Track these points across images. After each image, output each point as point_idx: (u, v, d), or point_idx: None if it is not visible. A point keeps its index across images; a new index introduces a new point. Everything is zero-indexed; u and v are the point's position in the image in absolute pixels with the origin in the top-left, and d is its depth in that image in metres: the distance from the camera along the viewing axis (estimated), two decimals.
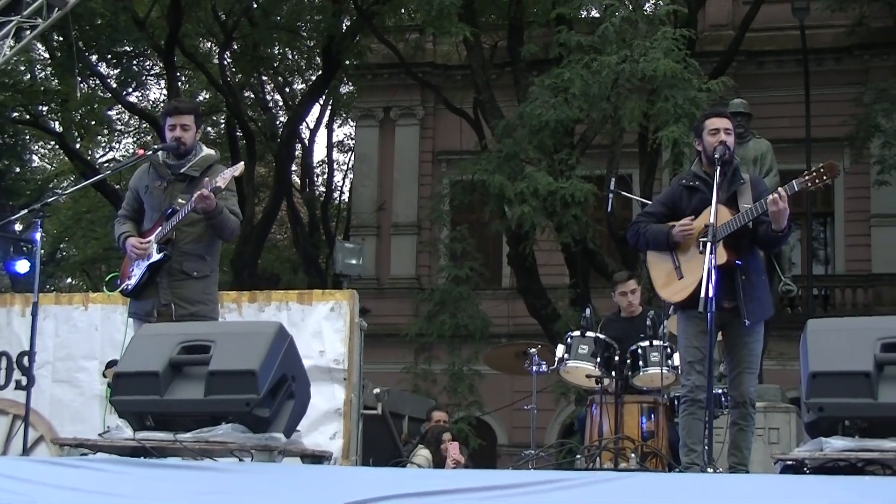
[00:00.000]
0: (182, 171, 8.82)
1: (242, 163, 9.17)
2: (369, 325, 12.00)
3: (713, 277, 7.50)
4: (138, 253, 8.74)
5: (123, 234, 8.98)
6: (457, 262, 23.20)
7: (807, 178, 7.74)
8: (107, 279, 11.13)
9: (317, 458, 7.54)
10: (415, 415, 14.38)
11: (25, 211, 10.18)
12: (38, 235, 8.59)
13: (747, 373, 8.29)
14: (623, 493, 5.52)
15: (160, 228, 8.67)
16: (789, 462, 6.42)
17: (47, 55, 28.21)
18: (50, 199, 9.64)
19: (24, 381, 11.05)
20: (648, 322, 10.16)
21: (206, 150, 9.09)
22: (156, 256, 8.65)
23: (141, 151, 9.51)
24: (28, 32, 18.83)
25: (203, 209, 8.43)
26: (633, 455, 9.40)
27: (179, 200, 8.65)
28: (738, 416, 8.33)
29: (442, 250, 25.11)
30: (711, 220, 7.76)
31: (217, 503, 5.82)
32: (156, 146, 9.06)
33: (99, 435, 7.33)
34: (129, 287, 8.86)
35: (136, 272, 8.80)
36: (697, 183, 8.37)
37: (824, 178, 7.70)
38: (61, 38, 25.18)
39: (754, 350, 8.33)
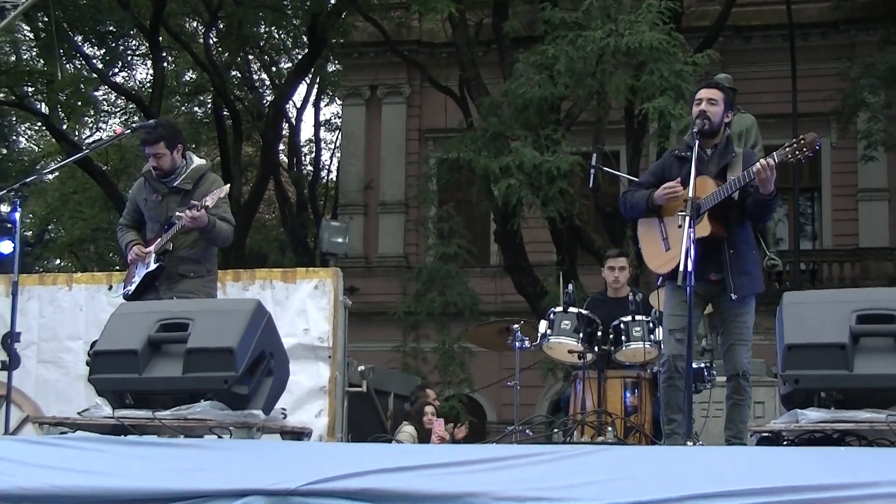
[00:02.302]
0: (175, 185, 9.13)
1: (227, 186, 9.35)
2: (357, 303, 12.02)
3: (692, 252, 7.48)
4: (138, 256, 9.13)
5: (130, 242, 9.34)
6: (444, 240, 23.19)
7: (787, 149, 7.73)
8: (109, 287, 11.25)
9: (296, 434, 7.55)
10: (400, 392, 14.37)
11: (4, 191, 10.19)
12: (17, 216, 8.60)
13: (739, 344, 8.25)
14: (601, 465, 5.53)
15: (159, 240, 9.04)
16: (765, 434, 6.44)
17: (32, 36, 28.08)
18: (29, 180, 9.64)
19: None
20: (632, 301, 10.15)
21: (197, 162, 9.35)
22: (152, 266, 9.01)
23: (119, 130, 9.60)
24: (10, 12, 18.74)
25: (195, 226, 8.74)
26: (610, 429, 9.41)
27: (178, 214, 8.92)
28: (732, 390, 8.30)
29: (430, 229, 25.08)
30: (690, 195, 7.74)
31: (197, 480, 5.82)
32: (134, 125, 9.15)
33: (78, 413, 7.31)
34: (130, 292, 9.15)
35: (137, 278, 9.13)
36: (688, 153, 8.24)
37: (804, 149, 7.70)
38: (46, 19, 25.05)
39: (746, 322, 8.29)
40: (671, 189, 8.20)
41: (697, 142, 8.05)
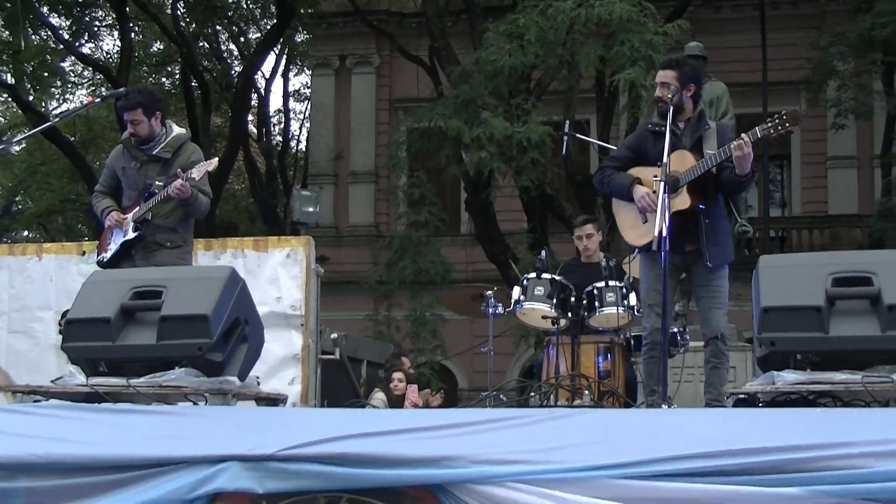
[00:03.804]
0: (154, 153, 9.10)
1: (216, 159, 9.40)
2: (328, 273, 11.99)
3: (667, 219, 7.54)
4: (116, 222, 9.07)
5: (106, 208, 9.26)
6: (415, 207, 23.17)
7: (769, 125, 7.83)
8: (82, 253, 11.20)
9: (272, 401, 7.54)
10: (373, 360, 14.35)
11: None
12: None
13: (716, 308, 8.37)
14: (578, 428, 5.53)
15: (137, 208, 8.98)
16: (741, 396, 6.47)
17: None
18: None
19: None
20: (605, 267, 10.16)
21: (177, 130, 9.33)
22: (131, 234, 8.97)
23: (90, 100, 9.55)
24: None
25: (178, 197, 8.71)
26: (587, 392, 9.43)
27: (157, 183, 8.93)
28: (710, 354, 8.41)
29: (401, 197, 25.05)
30: (665, 160, 7.79)
31: (172, 447, 5.80)
32: (104, 94, 9.11)
33: (52, 382, 7.27)
34: (105, 259, 9.12)
35: (113, 246, 9.08)
36: (663, 129, 8.36)
37: (787, 125, 7.79)
38: None
39: (721, 286, 8.41)
40: (647, 199, 8.27)
41: (669, 123, 8.12)
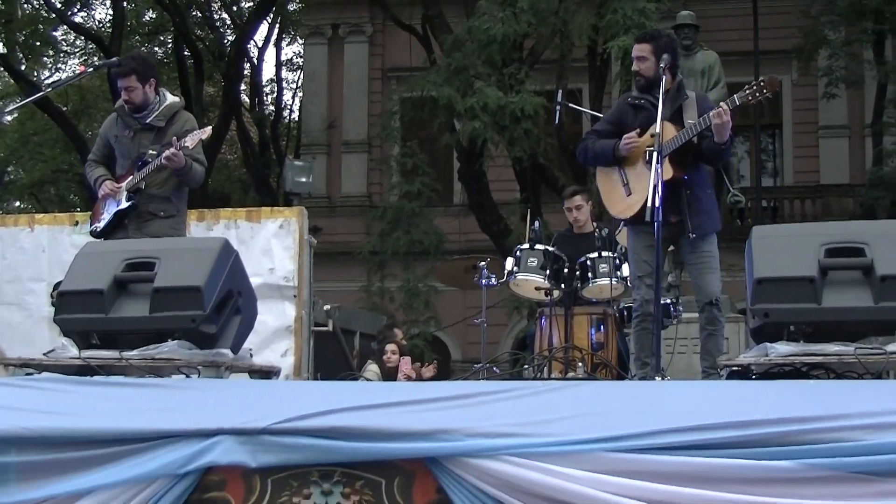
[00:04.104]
0: (147, 121, 9.07)
1: (209, 128, 9.40)
2: (321, 243, 11.98)
3: (660, 189, 7.57)
4: (110, 190, 9.04)
5: (100, 177, 9.24)
6: (408, 178, 23.13)
7: (747, 91, 7.90)
8: (74, 223, 11.16)
9: (265, 373, 7.52)
10: (366, 331, 14.37)
11: None
12: None
13: (707, 273, 8.40)
14: (572, 401, 5.53)
15: (131, 177, 8.96)
16: (735, 367, 6.47)
17: None
18: None
19: None
20: (598, 237, 10.17)
21: (170, 99, 9.28)
22: (124, 204, 8.95)
23: (82, 69, 9.53)
24: None
25: (171, 165, 8.72)
26: (580, 364, 9.43)
27: (151, 152, 8.91)
28: (705, 321, 8.44)
29: (394, 167, 25.01)
30: (658, 130, 7.81)
31: (165, 419, 5.79)
32: (97, 62, 9.08)
33: (44, 354, 7.26)
34: (99, 228, 9.11)
35: (106, 216, 9.07)
36: (642, 101, 8.49)
37: (765, 91, 7.86)
38: None
39: (710, 252, 8.42)
40: (630, 140, 8.40)
41: (661, 92, 8.13)
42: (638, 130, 8.36)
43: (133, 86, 8.97)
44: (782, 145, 29.82)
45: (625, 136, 8.42)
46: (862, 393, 5.32)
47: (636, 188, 8.36)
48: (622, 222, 9.32)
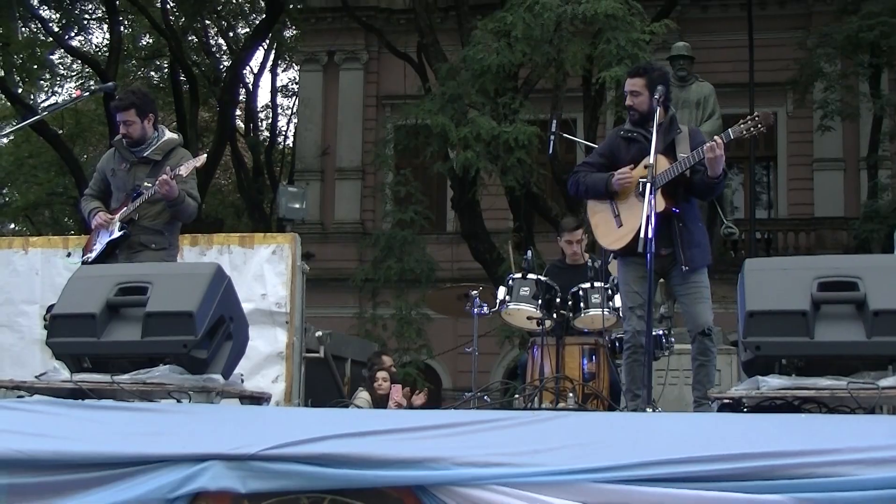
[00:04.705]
0: (144, 155, 9.11)
1: (204, 155, 9.49)
2: (313, 270, 11.98)
3: (653, 219, 7.58)
4: (102, 222, 9.10)
5: (94, 209, 9.30)
6: (401, 205, 23.15)
7: (741, 125, 7.96)
8: (67, 254, 11.18)
9: (255, 399, 7.52)
10: (357, 358, 14.37)
11: None
12: None
13: (699, 302, 8.36)
14: (562, 431, 5.53)
15: (125, 209, 9.00)
16: (726, 400, 6.47)
17: None
18: None
19: None
20: (590, 268, 10.17)
21: (168, 135, 9.33)
22: (116, 234, 8.99)
23: (78, 93, 9.56)
24: None
25: (165, 195, 8.74)
26: (571, 395, 9.42)
27: (146, 184, 8.93)
28: (697, 351, 8.40)
29: (387, 195, 25.03)
30: (651, 161, 7.83)
31: (155, 444, 5.78)
32: (93, 87, 9.13)
33: (36, 377, 7.25)
34: (90, 259, 9.08)
35: (98, 246, 9.09)
36: (635, 134, 8.50)
37: (759, 126, 7.88)
38: None
39: (701, 283, 8.39)
40: (624, 175, 8.38)
41: (647, 127, 8.24)
42: (632, 166, 8.37)
43: (132, 120, 9.02)
44: (777, 177, 29.88)
45: (618, 171, 8.41)
46: (854, 428, 5.32)
47: (627, 220, 8.37)
48: (612, 253, 9.33)
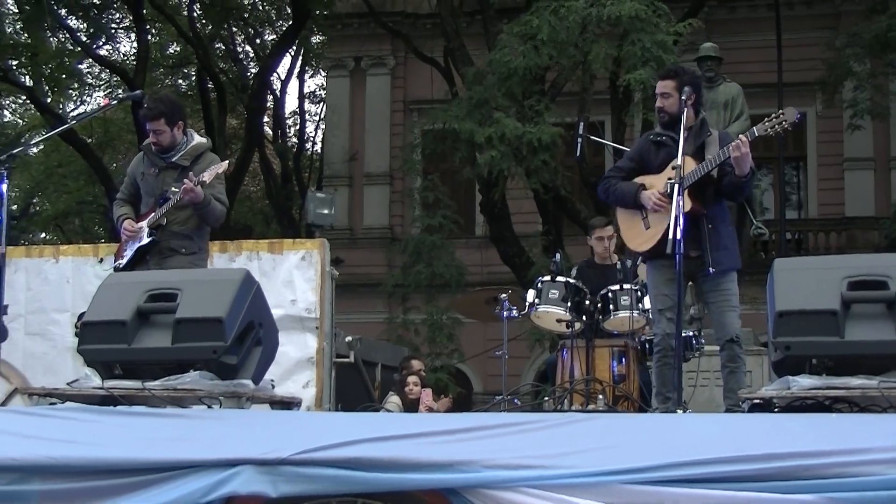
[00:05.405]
0: (173, 160, 9.17)
1: (227, 161, 9.58)
2: (343, 275, 11.99)
3: (681, 220, 7.56)
4: (129, 235, 9.16)
5: (121, 216, 9.37)
6: (429, 210, 23.13)
7: (766, 123, 7.95)
8: (99, 260, 11.24)
9: (286, 404, 7.53)
10: (387, 363, 14.34)
11: None
12: (3, 188, 8.58)
13: (727, 310, 8.36)
14: (592, 433, 5.53)
15: (153, 214, 9.07)
16: (757, 401, 6.44)
17: (16, 9, 27.90)
18: (15, 151, 9.58)
19: None
20: (619, 269, 10.17)
21: (197, 139, 9.40)
22: (145, 240, 9.05)
23: (106, 101, 9.60)
24: None
25: (190, 200, 8.80)
26: (601, 397, 9.42)
27: (173, 189, 8.99)
28: (727, 358, 8.40)
29: (416, 199, 25.01)
30: (679, 162, 7.81)
31: (186, 450, 5.81)
32: (120, 95, 9.17)
33: (67, 384, 7.29)
34: (121, 266, 9.17)
35: (128, 252, 9.15)
36: (664, 138, 8.48)
37: (784, 123, 7.84)
38: None
39: (730, 289, 8.38)
40: (660, 203, 8.27)
41: (676, 130, 8.19)
42: (667, 192, 8.27)
43: (161, 129, 9.08)
44: (807, 177, 29.73)
45: (653, 192, 8.36)
46: (885, 427, 5.30)
47: (654, 222, 8.35)
48: (640, 258, 9.32)
